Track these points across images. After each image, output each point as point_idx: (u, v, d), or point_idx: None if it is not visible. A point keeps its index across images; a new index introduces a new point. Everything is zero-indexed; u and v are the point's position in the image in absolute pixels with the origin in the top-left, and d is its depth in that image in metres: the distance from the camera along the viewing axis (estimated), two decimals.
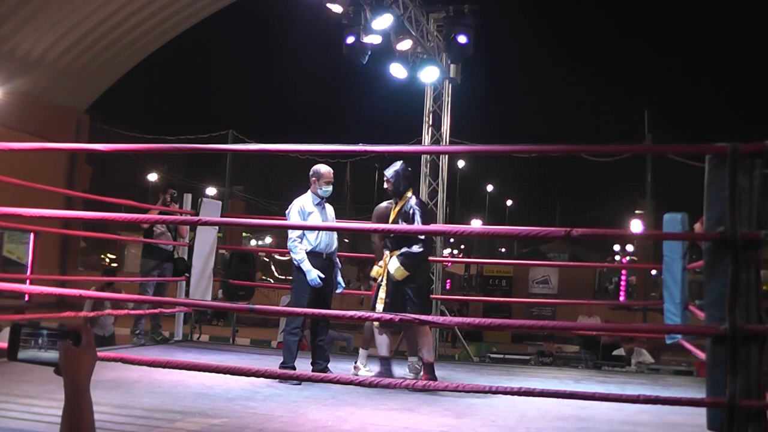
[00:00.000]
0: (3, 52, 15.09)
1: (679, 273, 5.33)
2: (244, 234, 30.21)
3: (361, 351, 6.44)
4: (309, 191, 5.98)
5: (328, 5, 8.61)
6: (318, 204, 5.94)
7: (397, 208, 5.80)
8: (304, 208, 5.87)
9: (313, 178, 5.96)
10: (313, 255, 5.82)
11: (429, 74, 10.23)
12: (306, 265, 5.69)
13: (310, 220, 5.84)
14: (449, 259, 25.38)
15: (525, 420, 4.57)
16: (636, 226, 18.98)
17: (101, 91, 19.38)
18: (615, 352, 10.55)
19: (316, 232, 5.82)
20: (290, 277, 6.18)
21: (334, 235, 6.07)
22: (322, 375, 4.73)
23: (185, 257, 8.24)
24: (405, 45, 9.67)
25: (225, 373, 5.00)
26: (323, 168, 6.00)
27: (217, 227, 8.49)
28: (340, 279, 6.13)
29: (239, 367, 5.06)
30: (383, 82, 11.01)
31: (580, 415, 4.70)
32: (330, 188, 5.99)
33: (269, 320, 14.40)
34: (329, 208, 6.10)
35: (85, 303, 8.86)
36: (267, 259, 28.93)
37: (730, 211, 3.33)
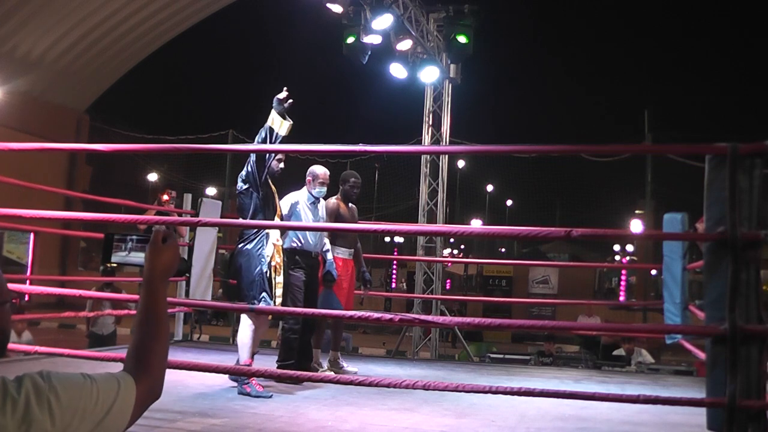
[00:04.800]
0: (3, 52, 15.11)
1: (679, 273, 5.33)
2: None
3: (331, 353, 6.38)
4: (304, 188, 5.98)
5: (328, 5, 8.62)
6: (312, 203, 5.94)
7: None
8: (297, 203, 5.88)
9: (309, 178, 5.96)
10: (302, 253, 5.82)
11: (429, 74, 10.24)
12: None
13: (302, 218, 5.84)
14: (449, 259, 25.39)
15: (525, 420, 4.57)
16: (636, 226, 18.98)
17: (101, 91, 19.40)
18: (615, 352, 10.54)
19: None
20: None
21: (324, 234, 6.03)
22: (322, 375, 4.73)
23: (185, 257, 8.24)
24: (405, 45, 9.67)
25: (225, 373, 5.01)
26: (320, 169, 5.98)
27: (217, 227, 8.49)
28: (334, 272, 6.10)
29: (239, 367, 5.07)
30: (383, 82, 11.02)
31: (580, 415, 4.70)
32: (324, 189, 5.97)
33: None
34: (321, 207, 6.06)
35: (86, 302, 8.87)
36: None
37: (730, 211, 3.33)
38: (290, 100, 5.21)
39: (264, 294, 5.17)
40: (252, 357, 5.24)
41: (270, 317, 5.71)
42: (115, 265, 2.00)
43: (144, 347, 1.46)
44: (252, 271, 5.19)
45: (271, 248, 5.30)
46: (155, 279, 1.56)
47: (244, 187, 5.32)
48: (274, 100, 5.23)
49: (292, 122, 5.24)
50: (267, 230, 5.31)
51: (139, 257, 1.69)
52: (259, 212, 5.29)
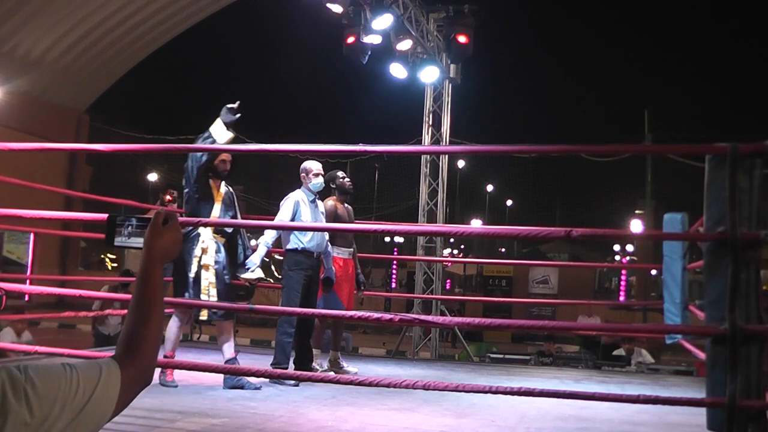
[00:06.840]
0: (3, 52, 15.11)
1: (679, 273, 5.33)
2: None
3: (331, 353, 6.36)
4: (302, 188, 5.96)
5: (328, 5, 8.62)
6: (312, 201, 5.93)
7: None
8: (299, 202, 5.85)
9: (303, 174, 5.95)
10: (304, 254, 5.81)
11: (429, 74, 10.24)
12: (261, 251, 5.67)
13: (303, 217, 5.83)
14: (449, 259, 25.39)
15: (525, 420, 4.57)
16: (636, 226, 19.00)
17: (101, 91, 19.38)
18: (615, 352, 10.54)
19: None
20: None
21: (326, 234, 6.02)
22: (322, 375, 4.72)
23: None
24: (405, 45, 9.68)
25: (225, 373, 5.01)
26: (310, 163, 5.98)
27: None
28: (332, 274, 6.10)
29: (239, 367, 5.08)
30: (383, 82, 11.04)
31: (580, 415, 4.70)
32: (320, 180, 5.95)
33: (269, 320, 14.43)
34: (321, 206, 6.06)
35: (94, 302, 8.89)
36: (267, 259, 28.79)
37: (730, 211, 3.33)
38: (239, 114, 5.21)
39: (186, 293, 5.24)
40: (174, 351, 5.32)
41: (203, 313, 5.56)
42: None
43: (135, 332, 1.43)
44: (179, 268, 5.30)
45: (199, 250, 5.32)
46: (152, 262, 1.51)
47: (183, 182, 5.42)
48: (224, 108, 5.23)
49: (233, 135, 5.25)
50: (199, 230, 5.32)
51: (138, 242, 1.62)
52: (194, 209, 5.35)
